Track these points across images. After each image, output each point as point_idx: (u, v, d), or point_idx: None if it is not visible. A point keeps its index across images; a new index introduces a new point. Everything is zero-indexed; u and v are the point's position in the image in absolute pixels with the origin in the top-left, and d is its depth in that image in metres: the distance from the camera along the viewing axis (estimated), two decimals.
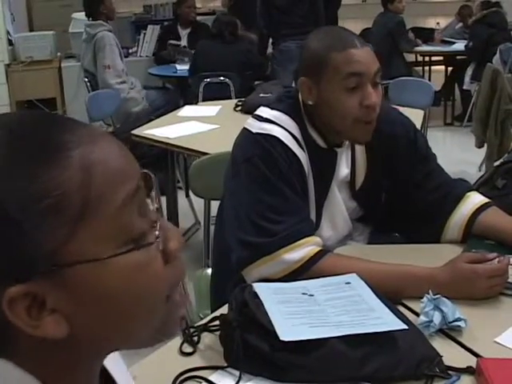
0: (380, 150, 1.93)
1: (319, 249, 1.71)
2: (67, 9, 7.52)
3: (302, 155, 1.81)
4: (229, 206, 1.83)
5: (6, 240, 0.61)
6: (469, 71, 7.20)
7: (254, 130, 1.78)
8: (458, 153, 6.16)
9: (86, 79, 5.86)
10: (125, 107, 5.65)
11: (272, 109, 1.83)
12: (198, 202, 4.23)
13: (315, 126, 1.83)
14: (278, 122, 1.79)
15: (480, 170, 5.62)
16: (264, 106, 1.87)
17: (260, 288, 1.50)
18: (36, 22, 8.29)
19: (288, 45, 5.99)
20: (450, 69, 7.95)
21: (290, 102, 1.85)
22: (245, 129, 1.83)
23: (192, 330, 1.51)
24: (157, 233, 0.68)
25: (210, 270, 2.36)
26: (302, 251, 1.69)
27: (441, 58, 8.18)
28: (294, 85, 6.12)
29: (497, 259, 1.69)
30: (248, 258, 1.71)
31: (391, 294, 1.56)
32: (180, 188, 4.80)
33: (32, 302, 0.63)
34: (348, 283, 1.58)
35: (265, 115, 1.81)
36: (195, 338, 1.50)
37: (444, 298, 1.51)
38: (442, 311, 1.49)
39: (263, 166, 1.73)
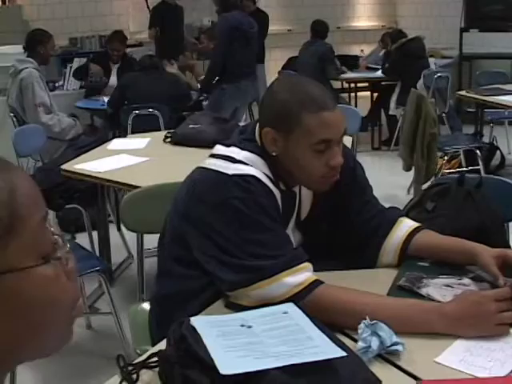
0: None
1: (316, 277, 1.71)
2: None
3: (277, 193, 1.82)
4: (206, 245, 1.77)
5: None
6: (394, 97, 7.39)
7: (229, 172, 1.76)
8: (386, 176, 6.27)
9: (12, 114, 5.75)
10: (60, 138, 5.67)
11: (242, 149, 1.82)
12: (131, 235, 4.19)
13: (274, 170, 1.84)
14: (252, 164, 1.79)
15: (409, 193, 5.74)
16: (231, 145, 1.85)
17: (198, 322, 1.48)
18: None
19: (246, 83, 6.02)
20: (375, 95, 8.13)
21: (255, 145, 1.85)
22: (213, 171, 1.79)
23: (130, 368, 1.48)
24: (60, 252, 0.79)
25: (145, 305, 2.33)
26: (302, 275, 1.69)
27: (366, 84, 8.36)
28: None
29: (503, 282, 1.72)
30: (244, 280, 1.69)
31: (398, 329, 1.54)
32: (111, 222, 4.73)
33: None
34: (285, 313, 1.57)
35: (238, 157, 1.80)
36: (134, 376, 1.47)
37: (381, 323, 1.52)
38: (379, 336, 1.50)
39: (246, 207, 1.72)
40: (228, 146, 1.86)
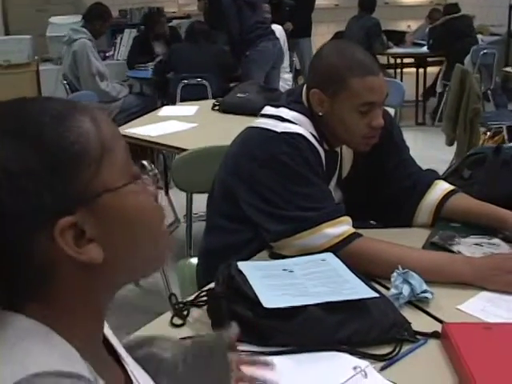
0: None
1: (355, 230, 1.84)
2: (43, 13, 7.59)
3: (322, 151, 1.95)
4: (254, 198, 1.90)
5: (58, 180, 0.78)
6: (440, 73, 7.41)
7: (278, 130, 1.89)
8: (429, 151, 6.31)
9: (65, 81, 5.94)
10: (116, 100, 5.98)
11: (291, 110, 1.95)
12: (177, 200, 4.35)
13: (319, 130, 1.96)
14: (299, 123, 1.92)
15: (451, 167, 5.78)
16: (280, 106, 1.97)
17: (244, 265, 1.63)
18: (12, 27, 8.33)
19: (266, 45, 6.11)
20: (421, 70, 8.13)
21: (302, 106, 1.97)
22: (263, 128, 1.93)
23: (181, 305, 1.64)
24: (144, 177, 0.89)
25: (193, 259, 2.48)
26: (342, 227, 1.82)
27: (412, 60, 8.38)
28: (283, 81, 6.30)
29: None
30: (288, 230, 1.82)
31: (428, 277, 1.67)
32: (159, 187, 4.88)
33: (75, 232, 0.79)
34: (323, 260, 1.71)
35: (286, 116, 1.93)
36: (184, 312, 1.62)
37: (412, 272, 1.64)
38: (410, 284, 1.62)
39: (293, 162, 1.85)
40: (277, 106, 1.99)
